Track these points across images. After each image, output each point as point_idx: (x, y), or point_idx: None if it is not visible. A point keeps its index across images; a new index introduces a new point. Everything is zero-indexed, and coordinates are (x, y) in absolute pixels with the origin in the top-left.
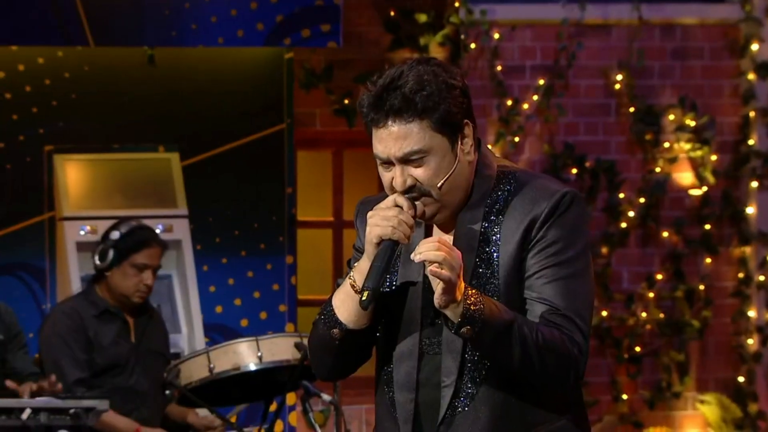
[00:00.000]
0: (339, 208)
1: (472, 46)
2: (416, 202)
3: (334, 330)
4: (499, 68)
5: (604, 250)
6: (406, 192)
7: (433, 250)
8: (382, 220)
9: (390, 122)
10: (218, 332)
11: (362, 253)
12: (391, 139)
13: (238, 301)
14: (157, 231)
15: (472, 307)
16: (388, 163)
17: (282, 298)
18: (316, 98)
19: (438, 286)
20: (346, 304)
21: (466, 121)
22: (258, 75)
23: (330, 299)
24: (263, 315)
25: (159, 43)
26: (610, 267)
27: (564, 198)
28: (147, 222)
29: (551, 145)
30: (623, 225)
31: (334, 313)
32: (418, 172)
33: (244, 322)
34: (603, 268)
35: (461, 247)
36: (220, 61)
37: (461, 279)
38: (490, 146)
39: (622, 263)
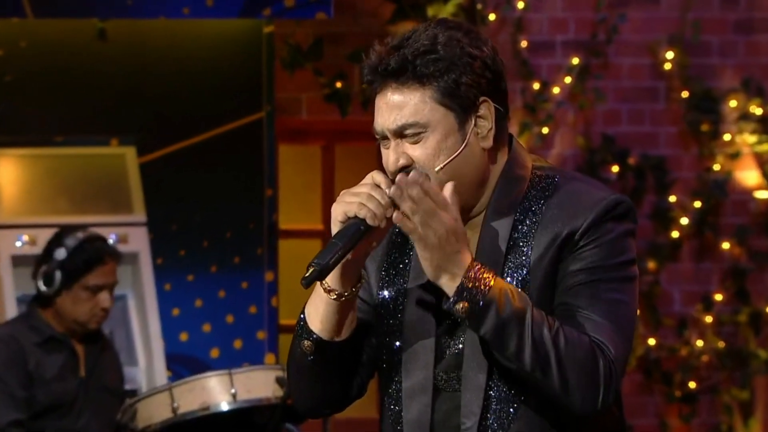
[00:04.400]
0: (329, 214)
1: (491, 17)
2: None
3: (305, 342)
4: (523, 44)
5: (652, 264)
6: (399, 173)
7: (404, 188)
8: (351, 196)
9: (388, 89)
10: (183, 364)
11: (365, 266)
12: (387, 108)
13: (207, 327)
14: (110, 241)
15: (472, 282)
16: (385, 138)
17: (260, 323)
18: (301, 81)
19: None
20: (318, 310)
21: (483, 98)
22: (231, 53)
23: (304, 307)
24: (238, 343)
25: (111, 14)
26: (658, 285)
27: (610, 206)
28: (98, 230)
29: (587, 137)
30: (674, 234)
31: (306, 323)
32: (415, 151)
33: (214, 353)
34: (650, 287)
35: (484, 262)
36: (186, 37)
37: (463, 248)
38: None
39: (674, 281)
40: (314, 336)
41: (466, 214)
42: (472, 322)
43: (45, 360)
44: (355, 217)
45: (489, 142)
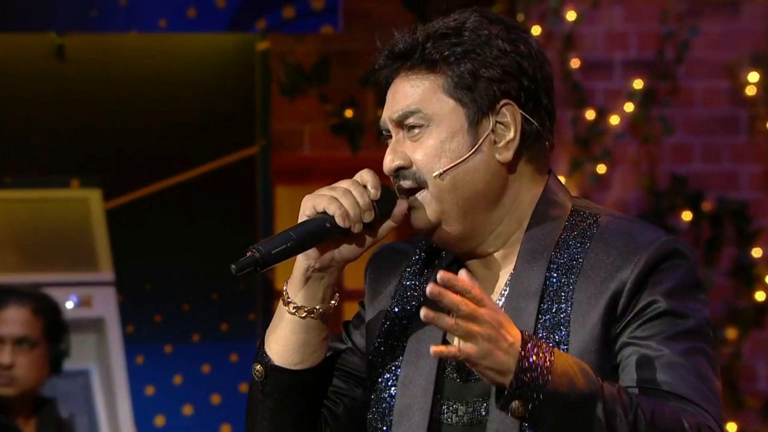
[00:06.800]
0: None
1: (535, 30)
2: (406, 197)
3: (256, 366)
4: (575, 64)
5: (732, 333)
6: (394, 176)
7: (458, 313)
8: (326, 190)
9: (398, 76)
10: None
11: (365, 309)
12: (393, 97)
13: (188, 409)
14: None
15: (528, 374)
16: (389, 135)
17: None
18: (303, 109)
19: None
20: (276, 328)
21: (506, 101)
22: (218, 75)
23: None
24: (225, 429)
25: (72, 27)
26: (739, 359)
27: (663, 250)
28: (55, 291)
29: (652, 177)
30: (759, 296)
31: (263, 344)
32: (415, 151)
33: None
34: (729, 360)
35: (510, 317)
36: (162, 55)
37: (508, 331)
38: (562, 180)
39: (759, 353)
40: (266, 359)
41: (469, 242)
42: (531, 421)
43: None
44: (324, 212)
45: (507, 155)
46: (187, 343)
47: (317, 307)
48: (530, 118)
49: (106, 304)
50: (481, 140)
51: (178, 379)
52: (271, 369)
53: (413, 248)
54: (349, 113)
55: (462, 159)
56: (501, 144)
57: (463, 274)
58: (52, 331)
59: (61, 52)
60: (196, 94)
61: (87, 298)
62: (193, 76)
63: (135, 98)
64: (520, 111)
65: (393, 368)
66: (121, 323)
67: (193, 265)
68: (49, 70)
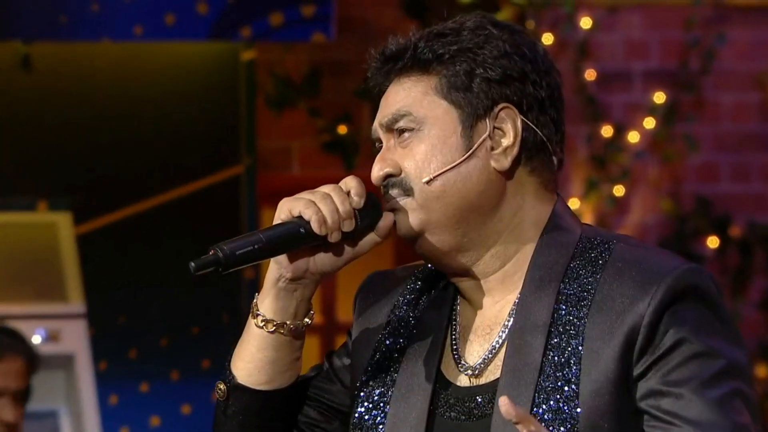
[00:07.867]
0: (330, 301)
1: (547, 39)
2: (393, 203)
3: (218, 385)
4: (590, 75)
5: (762, 371)
6: (384, 187)
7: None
8: (306, 194)
9: (391, 83)
10: None
11: (352, 339)
12: (384, 102)
13: None
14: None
15: None
16: (380, 144)
17: None
18: (292, 124)
19: None
20: (242, 344)
21: (504, 104)
22: (199, 87)
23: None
24: None
25: (38, 35)
26: None
27: (683, 281)
28: (20, 325)
29: (675, 199)
30: None
31: (229, 363)
32: (404, 158)
33: None
34: (762, 401)
35: (514, 352)
36: (138, 65)
37: None
38: (576, 202)
39: None
40: (230, 378)
41: (460, 257)
42: None
43: None
44: (300, 217)
45: (504, 163)
46: (165, 381)
47: (288, 323)
48: (533, 127)
49: (76, 339)
50: (476, 145)
51: (155, 421)
52: (234, 388)
53: (408, 276)
54: (342, 129)
55: (454, 164)
56: (498, 150)
57: (504, 401)
58: None
59: (27, 62)
60: (175, 108)
61: (55, 333)
62: (172, 88)
63: (108, 113)
64: (521, 117)
65: (382, 404)
66: (92, 359)
67: (171, 296)
68: (14, 82)
